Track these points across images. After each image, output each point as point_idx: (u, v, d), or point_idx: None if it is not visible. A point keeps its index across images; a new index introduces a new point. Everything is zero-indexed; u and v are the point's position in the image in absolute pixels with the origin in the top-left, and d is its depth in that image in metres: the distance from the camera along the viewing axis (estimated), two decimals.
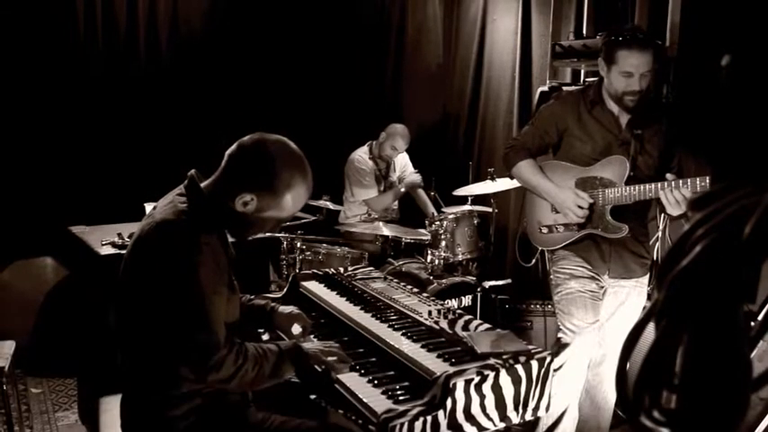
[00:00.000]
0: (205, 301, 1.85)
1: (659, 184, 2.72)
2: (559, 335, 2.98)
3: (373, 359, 2.22)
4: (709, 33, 3.31)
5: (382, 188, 4.99)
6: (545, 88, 4.16)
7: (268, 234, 4.27)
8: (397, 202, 5.03)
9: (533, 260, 3.97)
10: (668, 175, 2.75)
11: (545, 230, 3.05)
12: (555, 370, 2.16)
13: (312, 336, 2.39)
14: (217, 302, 1.89)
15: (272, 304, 2.40)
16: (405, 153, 5.07)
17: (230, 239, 2.07)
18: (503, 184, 4.27)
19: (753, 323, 0.76)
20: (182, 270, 1.84)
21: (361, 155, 4.93)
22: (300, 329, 2.33)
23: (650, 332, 0.74)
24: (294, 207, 2.01)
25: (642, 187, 2.77)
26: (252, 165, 1.96)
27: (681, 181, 2.68)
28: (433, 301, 2.63)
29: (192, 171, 2.05)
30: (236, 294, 2.09)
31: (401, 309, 2.50)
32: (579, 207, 2.89)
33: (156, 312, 1.88)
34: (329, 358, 2.10)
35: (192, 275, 1.83)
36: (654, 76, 2.91)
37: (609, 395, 3.07)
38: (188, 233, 1.87)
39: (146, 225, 1.96)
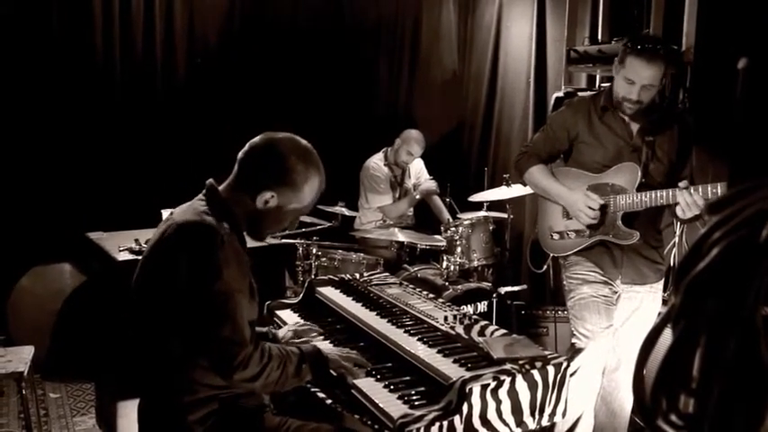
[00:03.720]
0: (230, 298, 1.87)
1: (671, 191, 2.70)
2: (573, 340, 2.96)
3: (389, 364, 2.22)
4: (725, 38, 3.29)
5: (397, 195, 4.99)
6: (560, 94, 4.14)
7: (284, 240, 4.29)
8: (412, 209, 5.04)
9: (545, 266, 3.96)
10: (680, 183, 2.73)
11: (556, 236, 3.04)
12: (570, 375, 2.15)
13: (328, 342, 2.40)
14: (241, 300, 1.91)
15: (274, 331, 2.44)
16: (420, 160, 5.07)
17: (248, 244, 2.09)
18: (518, 189, 4.26)
19: None
20: (207, 267, 1.85)
21: (377, 162, 4.94)
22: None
23: (667, 337, 0.74)
24: (312, 198, 2.06)
25: (654, 194, 2.76)
26: (268, 163, 2.00)
27: (692, 188, 2.66)
28: (449, 306, 2.62)
29: (211, 180, 2.07)
30: (255, 299, 2.10)
31: (417, 314, 2.50)
32: (590, 208, 2.87)
33: (180, 312, 1.89)
34: (348, 363, 2.11)
35: (217, 272, 1.85)
36: (669, 82, 2.88)
37: (625, 402, 3.05)
38: (211, 232, 1.89)
39: (166, 228, 1.98)
